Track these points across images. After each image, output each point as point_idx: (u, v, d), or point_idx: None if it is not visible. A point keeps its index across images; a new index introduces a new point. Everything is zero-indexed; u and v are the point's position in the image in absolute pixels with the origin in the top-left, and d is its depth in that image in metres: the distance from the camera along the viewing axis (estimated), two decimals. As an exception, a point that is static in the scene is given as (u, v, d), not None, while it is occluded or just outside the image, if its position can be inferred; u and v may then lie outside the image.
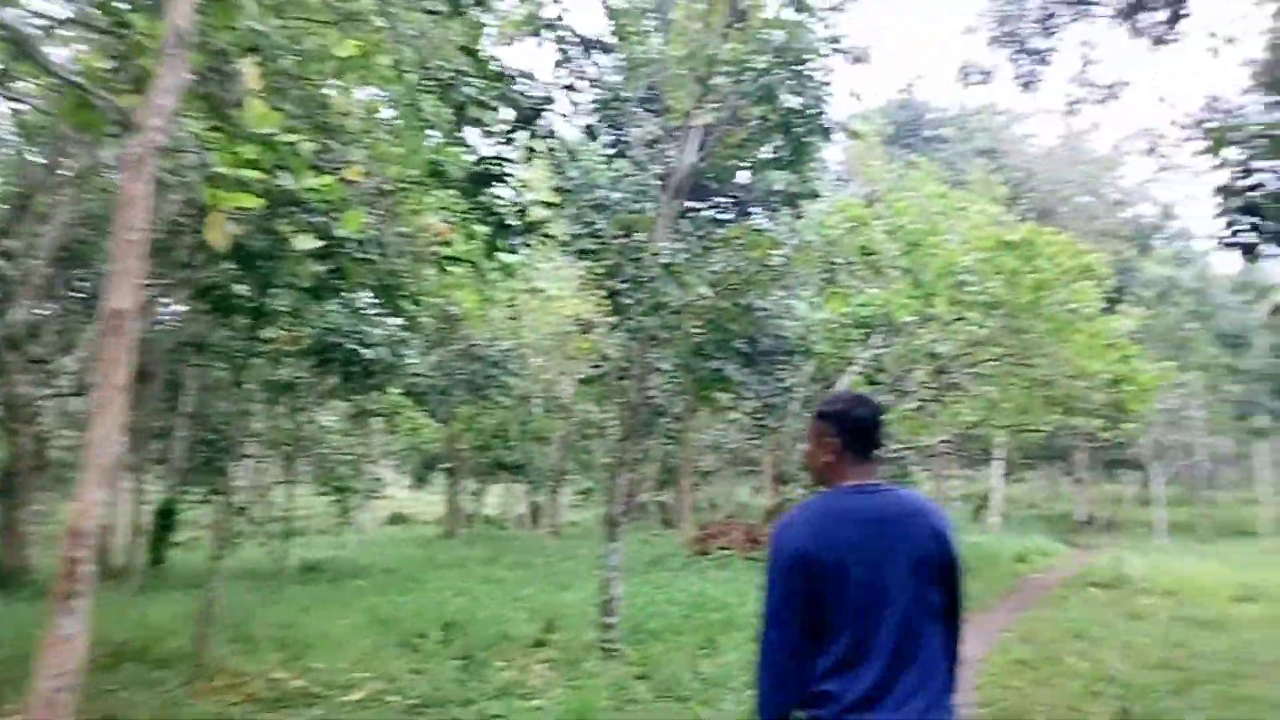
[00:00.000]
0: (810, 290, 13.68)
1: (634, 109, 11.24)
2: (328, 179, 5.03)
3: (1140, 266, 29.50)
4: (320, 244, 5.14)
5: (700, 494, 50.11)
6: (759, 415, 17.34)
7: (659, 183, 9.48)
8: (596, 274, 8.65)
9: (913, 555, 2.27)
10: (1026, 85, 13.82)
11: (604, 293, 8.45)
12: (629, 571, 15.57)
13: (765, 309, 16.21)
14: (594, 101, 13.36)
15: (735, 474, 44.42)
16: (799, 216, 14.86)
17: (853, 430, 2.43)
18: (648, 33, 8.66)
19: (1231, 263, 39.81)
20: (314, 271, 5.66)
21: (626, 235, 8.62)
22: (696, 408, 18.11)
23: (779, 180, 15.72)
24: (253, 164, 4.42)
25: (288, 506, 19.85)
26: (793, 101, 8.58)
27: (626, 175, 14.63)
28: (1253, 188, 7.11)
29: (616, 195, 13.82)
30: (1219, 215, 7.57)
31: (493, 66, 4.40)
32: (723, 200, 17.50)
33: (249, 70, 4.92)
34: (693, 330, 9.02)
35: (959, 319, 13.10)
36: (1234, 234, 7.52)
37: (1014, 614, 11.85)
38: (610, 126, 17.70)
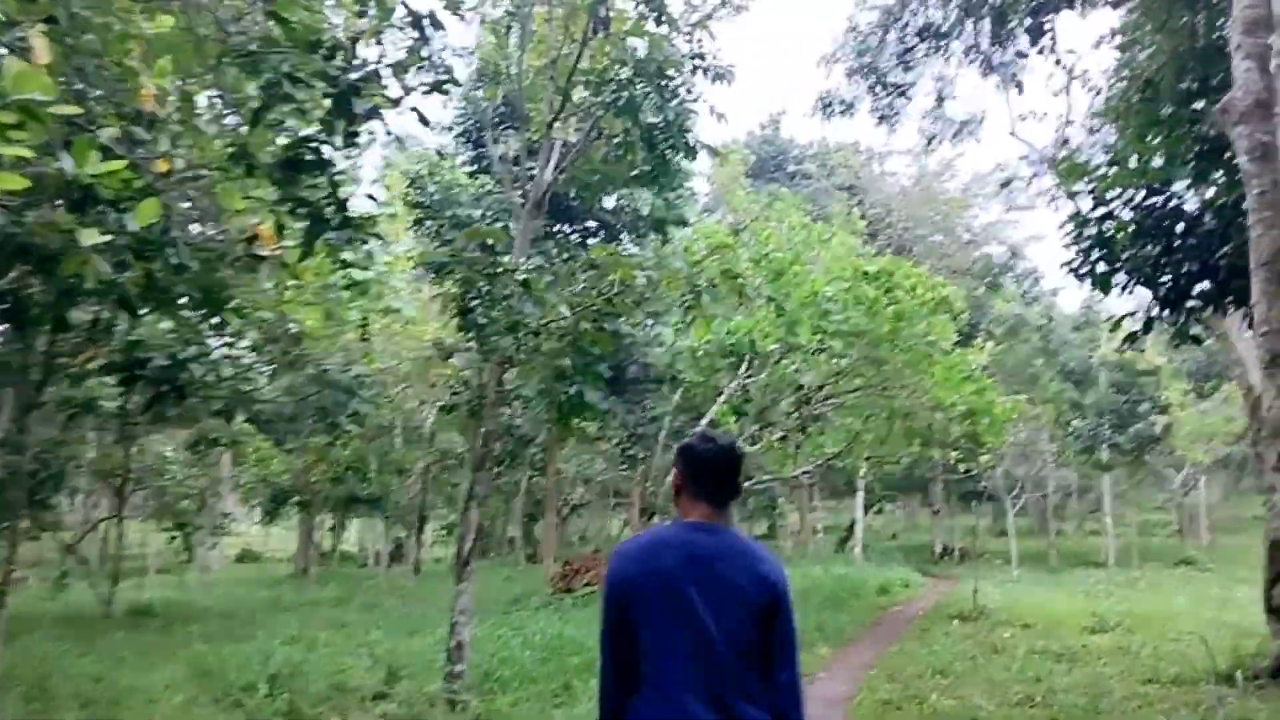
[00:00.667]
0: (676, 317, 13.40)
1: (495, 121, 10.74)
2: (116, 164, 4.30)
3: (990, 303, 30.80)
4: (106, 238, 4.38)
5: (572, 527, 49.44)
6: (626, 445, 16.95)
7: (521, 200, 8.98)
8: (450, 292, 8.06)
9: (733, 596, 2.29)
10: (884, 119, 14.04)
11: (457, 312, 7.84)
12: (486, 612, 14.82)
13: (631, 335, 15.90)
14: (456, 119, 12.71)
15: (606, 506, 43.96)
16: (666, 242, 14.60)
17: (694, 468, 2.47)
18: (505, 35, 8.20)
19: (1075, 299, 42.27)
20: (105, 273, 4.83)
21: (483, 250, 8.07)
22: (563, 437, 17.56)
23: (646, 205, 15.52)
24: (12, 138, 3.68)
25: (118, 543, 18.24)
26: (655, 116, 8.26)
27: (489, 193, 14.10)
28: (1104, 218, 7.19)
29: (478, 213, 13.26)
30: (1070, 244, 7.63)
31: (308, 36, 3.84)
32: (590, 224, 17.18)
33: (38, 42, 4.19)
34: (553, 353, 8.47)
35: (822, 349, 13.05)
36: (1086, 264, 7.58)
37: (879, 649, 11.76)
38: (469, 142, 17.24)
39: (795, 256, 13.97)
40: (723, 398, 17.24)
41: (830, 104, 13.93)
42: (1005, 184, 13.38)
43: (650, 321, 15.98)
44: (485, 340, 7.99)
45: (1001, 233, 33.20)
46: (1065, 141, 11.64)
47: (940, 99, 13.59)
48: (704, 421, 17.36)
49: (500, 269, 7.97)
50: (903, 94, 13.49)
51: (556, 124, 8.79)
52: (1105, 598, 20.46)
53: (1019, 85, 12.83)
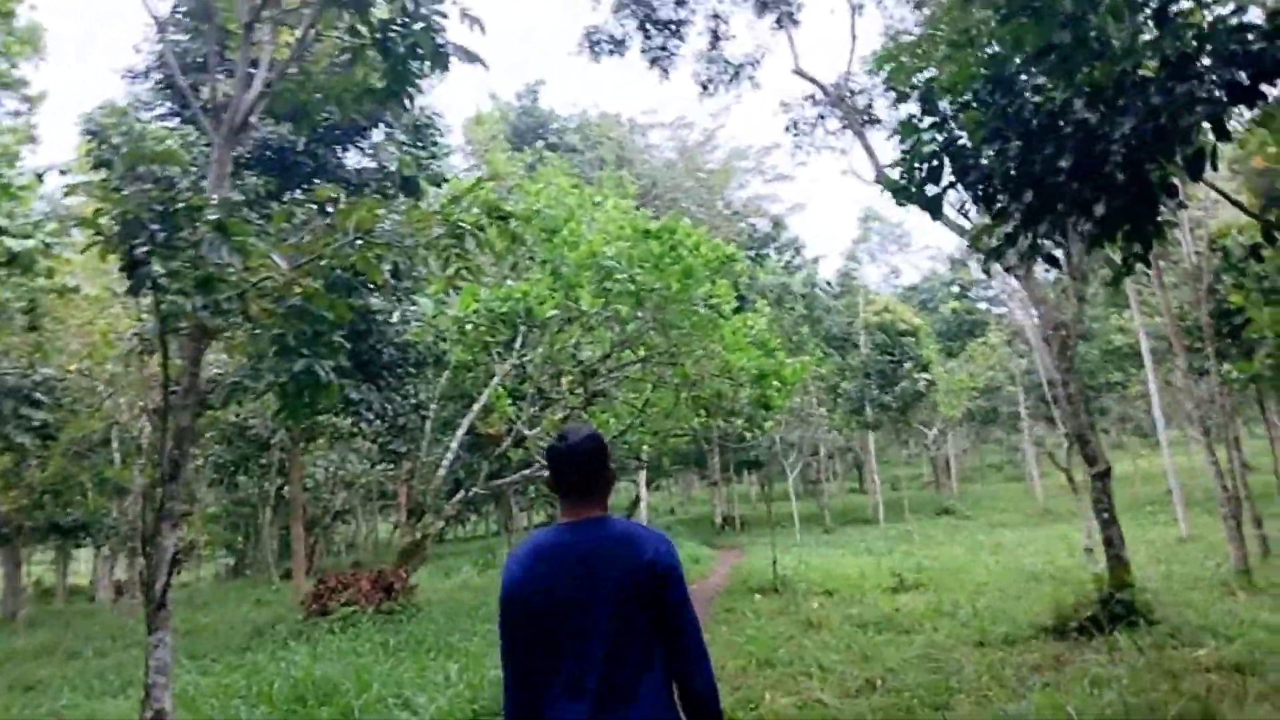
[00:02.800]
0: (436, 283, 11.51)
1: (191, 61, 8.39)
2: None
3: (755, 274, 30.89)
4: None
5: (338, 535, 45.66)
6: (386, 440, 14.80)
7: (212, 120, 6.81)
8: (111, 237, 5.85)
9: (619, 586, 2.30)
10: (656, 61, 12.76)
11: (124, 265, 5.66)
12: (221, 650, 12.31)
13: (382, 311, 13.77)
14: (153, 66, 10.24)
15: (372, 511, 40.81)
16: (418, 204, 12.60)
17: (556, 469, 2.48)
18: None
19: (833, 266, 43.73)
20: None
21: (156, 183, 5.92)
22: (309, 436, 15.13)
23: (393, 160, 13.42)
24: None
25: None
26: (391, 10, 6.40)
27: (195, 143, 11.57)
28: (938, 125, 6.15)
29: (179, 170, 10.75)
30: (900, 161, 6.53)
31: None
32: (328, 186, 14.76)
33: None
34: (268, 320, 6.43)
35: (606, 315, 11.63)
36: (914, 183, 6.49)
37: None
38: (166, 87, 14.38)
39: (569, 214, 12.47)
40: (496, 379, 15.55)
41: (599, 41, 12.47)
42: (791, 128, 12.60)
43: (404, 292, 13.93)
44: (166, 302, 5.85)
45: (764, 205, 33.58)
46: (850, 77, 10.88)
47: (716, 38, 12.45)
48: (476, 407, 15.55)
49: (181, 204, 5.84)
50: (676, 33, 12.23)
51: (258, 22, 6.72)
52: (888, 555, 20.70)
53: (794, 20, 11.93)
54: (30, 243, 9.67)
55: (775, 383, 14.03)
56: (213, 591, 33.36)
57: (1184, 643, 7.71)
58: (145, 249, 5.68)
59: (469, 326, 12.06)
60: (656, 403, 15.24)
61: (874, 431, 32.84)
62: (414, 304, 13.51)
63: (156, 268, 5.73)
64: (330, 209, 7.25)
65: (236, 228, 6.05)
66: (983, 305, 37.15)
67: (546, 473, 2.51)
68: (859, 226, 39.10)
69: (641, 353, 14.17)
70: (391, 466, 16.78)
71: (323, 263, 7.20)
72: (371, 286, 14.02)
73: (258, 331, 6.88)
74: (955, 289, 37.82)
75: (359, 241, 7.05)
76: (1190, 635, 7.94)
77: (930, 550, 20.92)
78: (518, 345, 14.64)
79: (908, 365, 29.77)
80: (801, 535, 27.75)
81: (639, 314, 12.15)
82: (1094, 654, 7.90)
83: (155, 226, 5.71)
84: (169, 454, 6.35)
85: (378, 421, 14.20)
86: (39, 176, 9.97)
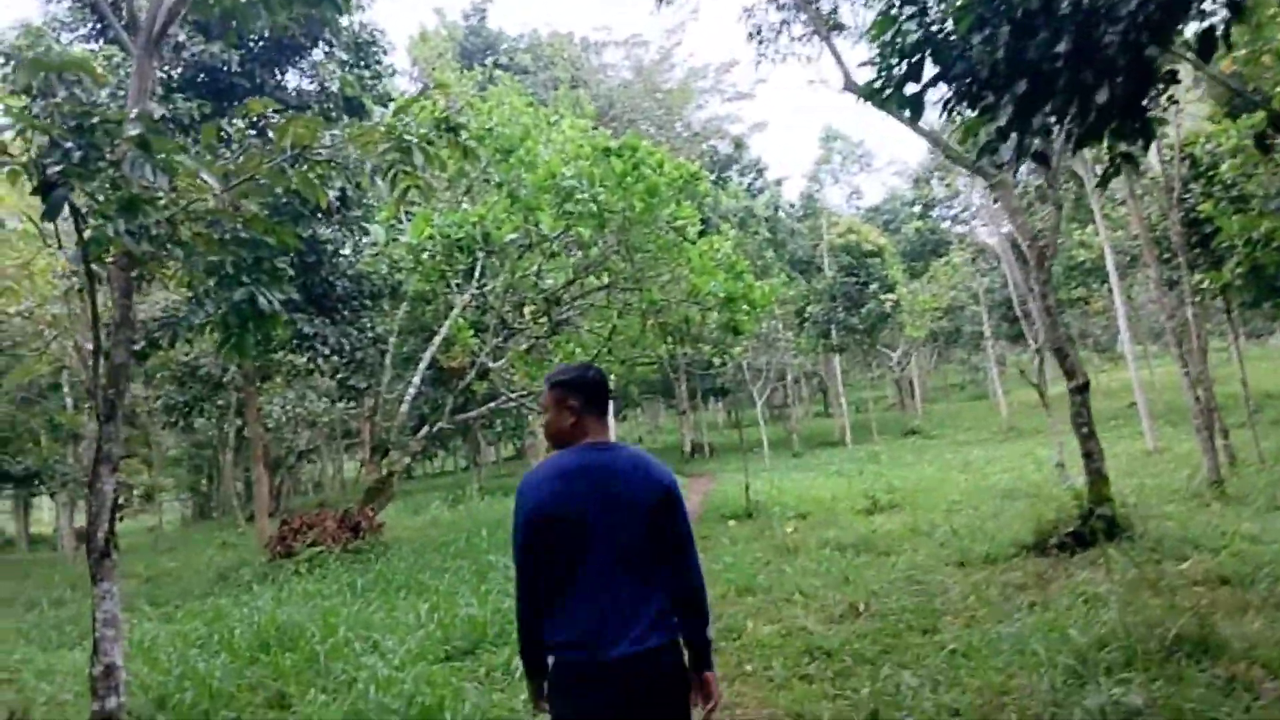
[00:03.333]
0: (387, 208, 10.95)
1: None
2: None
3: (718, 198, 30.35)
4: None
5: (305, 475, 45.16)
6: (345, 376, 14.33)
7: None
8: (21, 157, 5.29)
9: (635, 501, 2.62)
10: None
11: (38, 188, 5.11)
12: (186, 597, 11.95)
13: (331, 241, 13.19)
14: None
15: (336, 450, 40.33)
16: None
17: (590, 392, 2.77)
18: None
19: (795, 189, 43.18)
20: None
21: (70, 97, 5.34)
22: (263, 374, 14.62)
23: (335, 80, 12.68)
24: None
25: None
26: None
27: (115, 60, 10.82)
28: (918, 14, 5.71)
29: (106, 92, 10.05)
30: (875, 57, 6.10)
31: None
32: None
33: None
34: (201, 246, 5.94)
35: (569, 240, 11.17)
36: (890, 85, 6.07)
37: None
38: (85, 6, 13.41)
39: (525, 132, 11.89)
40: (456, 310, 15.09)
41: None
42: (754, 34, 12.00)
43: (355, 221, 13.31)
44: (88, 228, 5.33)
45: (724, 125, 32.82)
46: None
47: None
48: (436, 340, 15.09)
49: (97, 119, 5.29)
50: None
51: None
52: (858, 476, 20.74)
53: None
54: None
55: (744, 306, 13.68)
56: (178, 536, 32.91)
57: (1168, 556, 7.61)
58: (59, 169, 5.13)
59: (424, 255, 11.54)
60: (622, 330, 14.88)
61: (840, 355, 32.78)
62: (366, 233, 12.94)
63: (74, 190, 5.21)
64: (267, 129, 6.68)
65: (162, 145, 5.51)
66: (945, 224, 36.96)
67: (548, 402, 2.79)
68: (821, 146, 38.47)
69: (605, 279, 13.77)
70: (353, 404, 16.30)
71: (260, 183, 6.69)
72: (320, 215, 13.40)
73: (193, 259, 6.40)
74: (918, 208, 37.51)
75: (298, 161, 6.55)
76: (1174, 548, 7.84)
77: (899, 470, 20.98)
78: (477, 275, 14.17)
79: (873, 287, 29.58)
80: (771, 460, 27.80)
81: (602, 239, 11.70)
82: (1079, 570, 7.80)
83: (70, 144, 5.17)
84: (104, 394, 5.89)
85: (334, 357, 13.69)
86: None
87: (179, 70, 12.59)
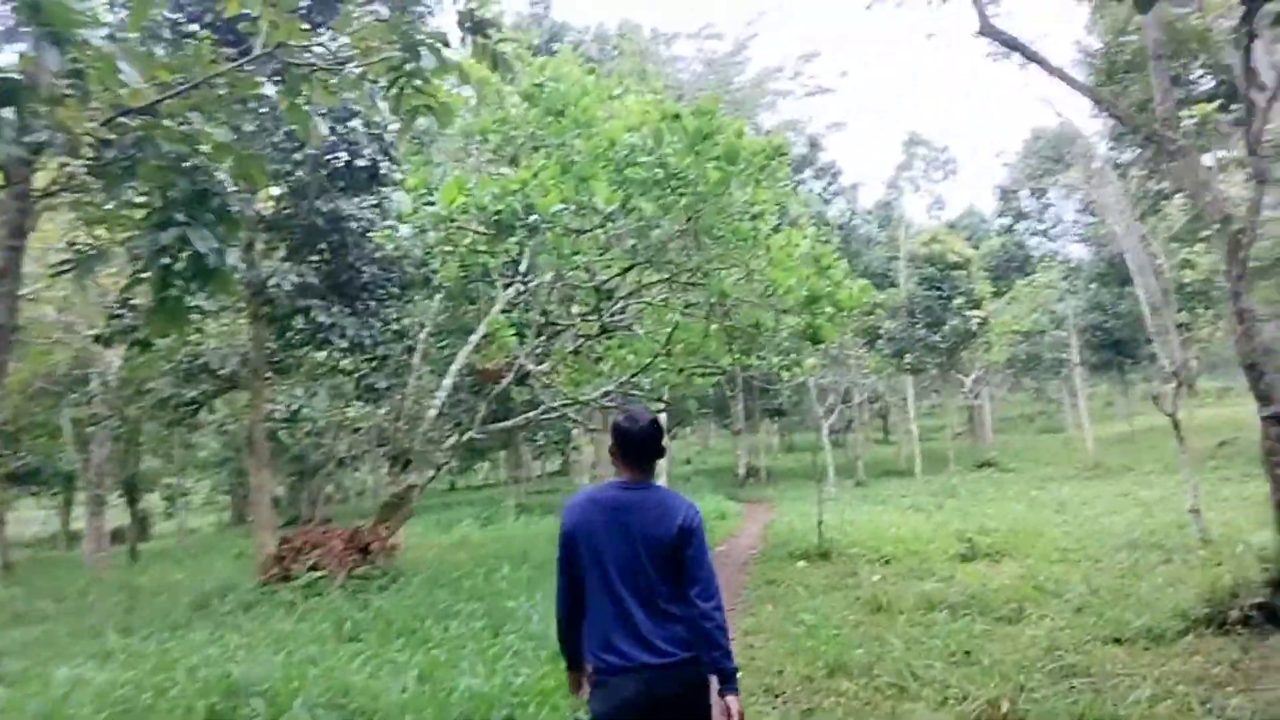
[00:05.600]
0: (414, 175, 9.16)
1: None
2: None
3: (787, 202, 28.22)
4: None
5: (350, 484, 43.69)
6: (364, 374, 12.57)
7: None
8: None
9: (651, 537, 2.98)
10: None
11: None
12: (160, 625, 10.22)
13: (354, 217, 11.44)
14: None
15: (375, 457, 38.80)
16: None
17: (623, 443, 3.14)
18: None
19: (874, 195, 40.73)
20: None
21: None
22: (279, 367, 12.91)
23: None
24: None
25: None
26: None
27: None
28: None
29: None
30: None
31: None
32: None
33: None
34: (118, 169, 4.15)
35: (629, 210, 9.25)
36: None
37: (733, 615, 8.28)
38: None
39: (582, 91, 10.06)
40: (497, 307, 13.27)
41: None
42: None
43: (385, 198, 11.54)
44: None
45: (799, 123, 30.62)
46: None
47: None
48: (474, 338, 13.31)
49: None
50: None
51: None
52: (937, 511, 18.51)
53: None
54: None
55: (828, 309, 11.64)
56: (207, 542, 31.60)
57: None
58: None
59: (457, 231, 9.71)
60: (683, 335, 12.91)
61: (915, 376, 30.30)
62: (385, 198, 11.19)
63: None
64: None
65: (59, 10, 3.72)
66: (1034, 239, 34.27)
67: (610, 439, 3.18)
68: (903, 151, 35.86)
69: (667, 272, 11.82)
70: (373, 406, 14.53)
71: (218, 92, 4.91)
72: (344, 187, 11.68)
73: (118, 188, 4.62)
74: (1005, 220, 34.85)
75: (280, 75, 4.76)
76: None
77: (983, 507, 18.65)
78: (522, 268, 12.35)
79: (957, 302, 27.14)
80: (837, 488, 25.54)
81: (666, 218, 9.76)
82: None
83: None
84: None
85: (356, 352, 11.97)
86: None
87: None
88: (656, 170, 8.66)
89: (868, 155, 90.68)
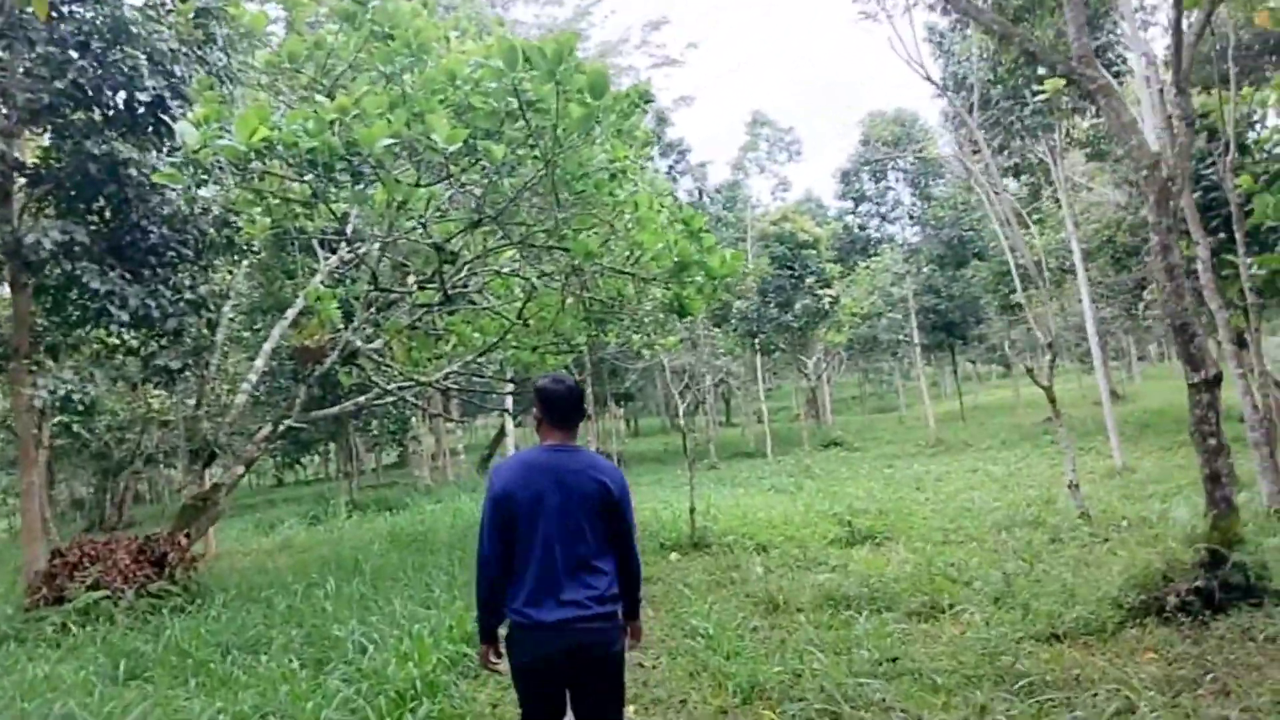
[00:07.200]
0: (204, 106, 7.36)
1: None
2: None
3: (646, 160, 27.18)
4: None
5: (161, 484, 39.58)
6: (150, 354, 10.52)
7: None
8: None
9: (582, 497, 3.12)
10: None
11: None
12: None
13: (136, 161, 9.45)
14: None
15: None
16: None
17: (546, 405, 3.26)
18: None
19: (721, 174, 40.07)
20: None
21: None
22: (50, 346, 10.65)
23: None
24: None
25: None
26: None
27: None
28: None
29: None
30: None
31: None
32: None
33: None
34: None
35: (475, 159, 7.80)
36: None
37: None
38: None
39: (413, 11, 8.52)
40: (319, 276, 11.57)
41: None
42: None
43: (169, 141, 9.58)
44: None
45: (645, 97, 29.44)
46: None
47: None
48: (291, 312, 11.51)
49: None
50: None
51: None
52: (799, 492, 17.92)
53: None
54: None
55: (698, 278, 10.54)
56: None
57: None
58: None
59: (263, 179, 7.98)
60: (536, 308, 11.54)
61: (766, 356, 29.92)
62: (171, 137, 9.26)
63: None
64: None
65: None
66: (874, 222, 34.61)
67: (535, 404, 3.29)
68: (747, 132, 35.39)
69: (520, 233, 10.41)
70: (169, 393, 12.38)
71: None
72: (123, 130, 9.63)
73: None
74: (846, 204, 35.07)
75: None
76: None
77: (842, 487, 18.23)
78: (348, 231, 10.67)
79: (809, 280, 26.84)
80: (686, 473, 24.74)
81: (519, 163, 8.38)
82: (1238, 646, 5.06)
83: None
84: None
85: (142, 326, 9.94)
86: None
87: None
88: (509, 99, 7.25)
89: (717, 133, 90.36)
